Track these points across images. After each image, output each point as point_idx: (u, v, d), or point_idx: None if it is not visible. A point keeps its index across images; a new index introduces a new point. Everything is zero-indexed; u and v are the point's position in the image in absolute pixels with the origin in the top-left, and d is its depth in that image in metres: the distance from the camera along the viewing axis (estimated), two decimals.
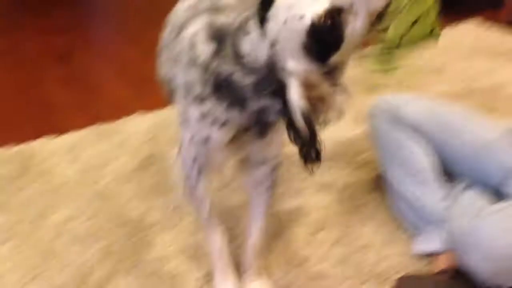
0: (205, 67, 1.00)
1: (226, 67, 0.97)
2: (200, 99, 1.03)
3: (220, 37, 0.99)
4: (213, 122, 1.05)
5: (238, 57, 0.95)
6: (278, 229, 1.62)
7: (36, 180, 1.80)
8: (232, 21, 0.97)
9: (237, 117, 1.03)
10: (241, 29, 0.94)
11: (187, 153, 1.16)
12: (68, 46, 2.90)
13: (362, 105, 1.85)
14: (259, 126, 1.06)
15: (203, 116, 1.05)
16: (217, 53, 0.98)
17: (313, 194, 1.76)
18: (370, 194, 1.75)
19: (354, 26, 0.87)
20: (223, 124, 1.05)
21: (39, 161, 1.89)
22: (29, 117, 2.20)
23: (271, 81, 0.92)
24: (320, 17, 0.85)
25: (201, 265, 1.48)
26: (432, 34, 1.42)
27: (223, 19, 1.01)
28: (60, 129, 2.02)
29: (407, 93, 2.29)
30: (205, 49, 1.00)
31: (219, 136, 1.07)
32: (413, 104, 1.59)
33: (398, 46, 1.42)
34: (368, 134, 1.70)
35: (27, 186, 1.78)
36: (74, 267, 1.49)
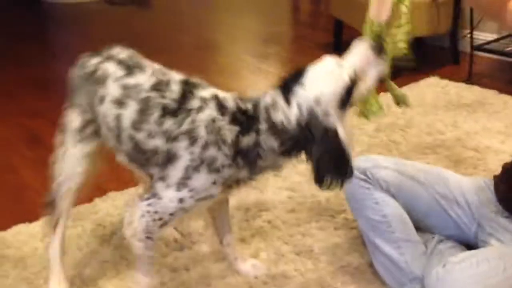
0: (232, 145, 1.28)
1: (256, 140, 1.28)
2: (218, 170, 1.30)
3: (240, 121, 1.29)
4: (223, 183, 1.33)
5: (273, 127, 1.26)
6: None
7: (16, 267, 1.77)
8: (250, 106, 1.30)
9: (243, 174, 1.34)
10: (271, 105, 1.27)
11: (174, 206, 1.34)
12: (38, 129, 2.93)
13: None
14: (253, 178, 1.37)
15: (215, 182, 1.31)
16: (241, 132, 1.28)
17: (293, 259, 1.76)
18: (352, 254, 1.75)
19: (361, 89, 1.27)
20: (228, 182, 1.34)
21: (16, 248, 1.86)
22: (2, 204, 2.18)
23: (296, 137, 1.24)
24: (352, 76, 1.24)
25: None
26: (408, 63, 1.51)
27: (232, 104, 1.31)
28: (34, 215, 1.98)
29: (378, 150, 2.40)
30: (231, 132, 1.28)
31: (220, 192, 1.35)
32: (384, 165, 1.65)
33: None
34: (345, 194, 1.74)
35: (7, 275, 1.74)
36: None
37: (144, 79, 1.38)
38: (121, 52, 1.48)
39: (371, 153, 2.39)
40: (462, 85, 3.14)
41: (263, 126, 1.27)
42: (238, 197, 1.97)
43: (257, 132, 1.28)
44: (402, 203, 1.61)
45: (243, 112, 1.30)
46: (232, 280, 1.68)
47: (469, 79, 3.23)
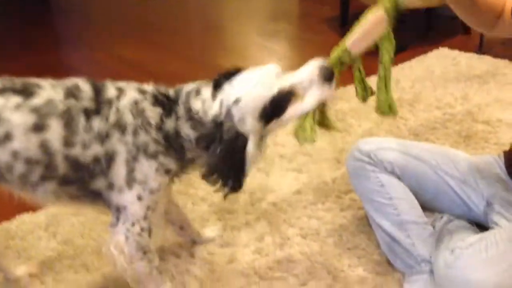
0: (158, 128, 1.26)
1: (176, 125, 1.26)
2: (154, 156, 1.26)
3: (162, 102, 1.27)
4: (165, 172, 1.29)
5: (189, 112, 1.25)
6: (267, 282, 1.58)
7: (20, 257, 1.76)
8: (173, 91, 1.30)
9: (176, 165, 1.30)
10: (193, 91, 1.26)
11: (139, 207, 1.30)
12: None
13: (344, 143, 1.84)
14: (185, 171, 1.36)
15: (157, 169, 1.28)
16: (164, 115, 1.26)
17: (299, 242, 1.73)
18: (359, 235, 1.72)
19: (295, 107, 1.21)
20: (170, 171, 1.30)
21: (20, 238, 1.85)
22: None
23: (211, 135, 1.22)
24: (281, 90, 1.19)
25: None
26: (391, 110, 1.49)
27: (151, 88, 1.30)
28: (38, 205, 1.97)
29: (385, 127, 2.33)
30: (154, 113, 1.26)
31: (166, 182, 1.32)
32: (388, 146, 1.60)
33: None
34: (349, 176, 1.70)
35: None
36: None
37: (50, 92, 1.25)
38: None
39: (379, 131, 2.34)
40: (473, 56, 3.04)
41: (181, 110, 1.26)
42: None
43: (176, 116, 1.26)
44: (408, 184, 1.57)
45: (164, 95, 1.29)
46: (237, 265, 1.66)
47: (480, 49, 3.12)
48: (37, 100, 1.23)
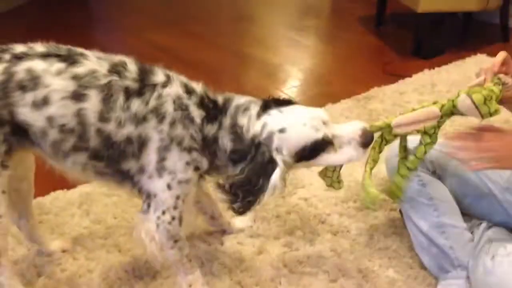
0: (199, 128, 1.28)
1: (216, 132, 1.28)
2: (188, 150, 1.28)
3: (207, 107, 1.29)
4: (195, 168, 1.31)
5: (234, 126, 1.27)
6: (296, 276, 1.58)
7: (53, 233, 1.79)
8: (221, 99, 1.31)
9: (207, 165, 1.32)
10: (243, 107, 1.28)
11: (169, 196, 1.31)
12: None
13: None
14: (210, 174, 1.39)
15: (188, 163, 1.29)
16: (206, 119, 1.28)
17: (330, 238, 1.72)
18: (391, 236, 1.71)
19: (328, 156, 1.27)
20: (199, 169, 1.32)
21: (54, 215, 1.88)
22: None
23: (246, 151, 1.24)
24: (325, 137, 1.23)
25: None
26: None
27: (200, 90, 1.31)
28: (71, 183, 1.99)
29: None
30: (198, 113, 1.28)
31: (196, 177, 1.33)
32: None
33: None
34: (388, 174, 1.68)
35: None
36: None
37: (95, 64, 1.24)
38: (34, 47, 1.27)
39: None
40: None
41: (227, 121, 1.28)
42: None
43: (220, 125, 1.28)
44: (449, 186, 1.55)
45: (211, 100, 1.30)
46: (266, 257, 1.66)
47: None
48: (80, 69, 1.23)
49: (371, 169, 1.46)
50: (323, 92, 2.82)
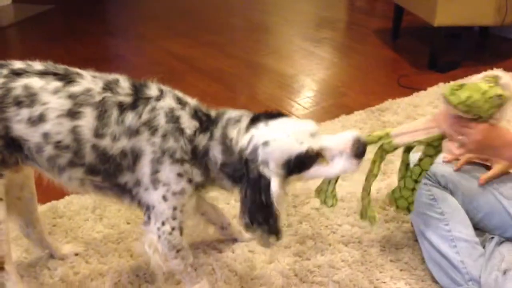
0: (190, 140, 1.28)
1: (207, 143, 1.29)
2: (180, 162, 1.28)
3: (200, 118, 1.30)
4: (188, 180, 1.31)
5: (224, 137, 1.27)
6: (307, 285, 1.58)
7: (67, 236, 1.82)
8: (214, 114, 1.33)
9: (201, 178, 1.33)
10: (234, 119, 1.29)
11: (166, 207, 1.32)
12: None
13: (390, 155, 1.81)
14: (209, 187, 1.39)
15: (180, 175, 1.29)
16: (199, 130, 1.29)
17: (341, 249, 1.72)
18: (402, 248, 1.70)
19: (318, 169, 1.24)
20: (193, 181, 1.32)
21: (67, 218, 1.90)
22: None
23: (237, 168, 1.25)
24: (309, 150, 1.21)
25: None
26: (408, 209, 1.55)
27: (193, 102, 1.33)
28: None
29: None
30: (190, 125, 1.29)
31: (191, 189, 1.33)
32: (441, 159, 1.58)
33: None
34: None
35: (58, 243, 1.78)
36: None
37: (90, 83, 1.28)
38: (32, 65, 1.31)
39: None
40: None
41: (218, 132, 1.28)
42: None
43: (211, 136, 1.29)
44: (460, 200, 1.54)
45: (204, 113, 1.32)
46: (277, 265, 1.66)
47: None
48: (76, 88, 1.27)
49: (370, 185, 1.48)
50: (337, 103, 2.83)
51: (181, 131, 1.27)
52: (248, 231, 1.31)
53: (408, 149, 1.47)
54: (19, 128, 1.26)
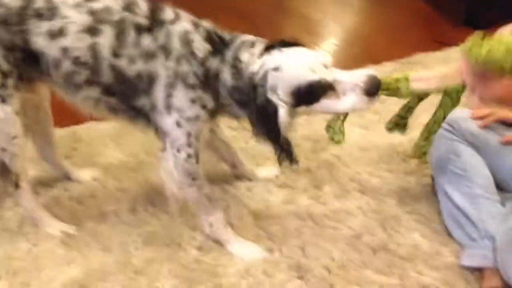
0: (201, 63, 1.25)
1: (219, 66, 1.25)
2: (192, 87, 1.26)
3: (214, 41, 1.26)
4: (202, 106, 1.29)
5: (235, 60, 1.24)
6: (321, 229, 1.58)
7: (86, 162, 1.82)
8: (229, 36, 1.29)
9: (212, 103, 1.30)
10: (248, 43, 1.25)
11: (180, 133, 1.31)
12: None
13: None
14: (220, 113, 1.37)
15: (193, 100, 1.28)
16: (211, 53, 1.25)
17: (358, 197, 1.71)
18: (420, 201, 1.68)
19: (329, 103, 1.20)
20: (206, 107, 1.30)
21: (86, 144, 1.91)
22: None
23: (246, 93, 1.23)
24: (322, 79, 1.17)
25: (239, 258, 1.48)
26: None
27: (207, 25, 1.30)
28: None
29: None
30: (202, 48, 1.25)
31: (204, 115, 1.31)
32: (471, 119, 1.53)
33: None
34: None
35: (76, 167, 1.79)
36: (116, 249, 1.50)
37: (110, 1, 1.27)
38: None
39: None
40: None
41: (230, 55, 1.25)
42: (309, 128, 1.91)
43: (223, 58, 1.25)
44: (486, 159, 1.50)
45: (218, 35, 1.28)
46: (292, 207, 1.66)
47: None
48: (97, 5, 1.26)
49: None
50: (365, 53, 2.74)
51: (193, 54, 1.25)
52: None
53: (422, 96, 1.42)
54: (38, 41, 1.26)
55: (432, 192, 1.68)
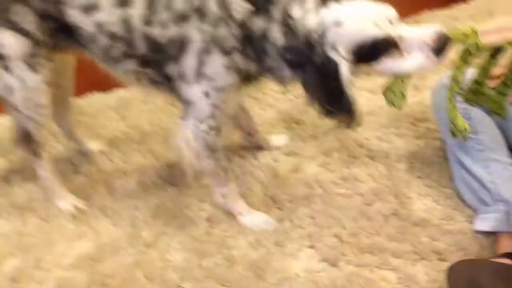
0: (241, 24, 1.15)
1: (266, 26, 1.14)
2: (229, 52, 1.18)
3: (256, 0, 1.15)
4: (237, 71, 1.21)
5: (286, 17, 1.12)
6: (331, 196, 1.56)
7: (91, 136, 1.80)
8: None
9: (251, 67, 1.21)
10: None
11: (206, 104, 1.26)
12: None
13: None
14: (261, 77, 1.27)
15: (228, 67, 1.20)
16: (254, 12, 1.15)
17: (367, 163, 1.68)
18: (431, 165, 1.65)
19: (393, 61, 1.11)
20: (242, 72, 1.22)
21: (89, 116, 1.88)
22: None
23: (301, 53, 1.12)
24: (388, 36, 1.08)
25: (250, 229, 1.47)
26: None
27: None
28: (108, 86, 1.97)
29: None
30: (242, 8, 1.15)
31: (238, 83, 1.24)
32: None
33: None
34: (433, 108, 1.61)
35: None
36: (126, 223, 1.49)
37: None
38: None
39: None
40: None
41: (278, 12, 1.14)
42: None
43: (270, 16, 1.14)
44: (498, 121, 1.47)
45: None
46: (301, 175, 1.64)
47: None
48: None
49: (454, 93, 1.29)
50: None
51: (231, 15, 1.16)
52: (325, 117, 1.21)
53: (496, 52, 1.25)
54: (74, 15, 1.23)
55: (443, 156, 1.65)
